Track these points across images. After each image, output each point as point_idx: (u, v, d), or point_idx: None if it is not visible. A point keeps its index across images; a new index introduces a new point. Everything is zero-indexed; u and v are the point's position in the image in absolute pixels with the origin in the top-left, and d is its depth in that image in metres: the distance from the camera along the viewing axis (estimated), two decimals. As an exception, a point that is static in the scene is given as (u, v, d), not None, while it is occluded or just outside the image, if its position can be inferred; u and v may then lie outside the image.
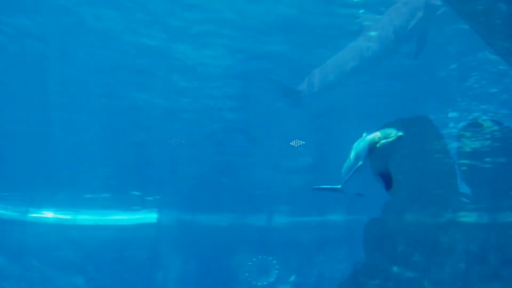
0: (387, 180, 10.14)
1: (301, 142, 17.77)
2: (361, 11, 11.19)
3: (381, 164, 9.97)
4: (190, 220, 24.89)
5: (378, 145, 9.58)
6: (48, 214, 24.37)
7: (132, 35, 12.04)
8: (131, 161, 18.70)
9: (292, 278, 24.32)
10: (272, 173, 20.04)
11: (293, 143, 17.78)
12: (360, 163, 10.07)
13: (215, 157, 18.46)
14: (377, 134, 9.74)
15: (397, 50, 11.80)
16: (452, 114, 15.44)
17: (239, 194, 22.05)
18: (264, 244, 24.45)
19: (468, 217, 24.88)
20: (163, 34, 12.02)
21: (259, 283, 24.18)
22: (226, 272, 24.25)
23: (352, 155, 10.63)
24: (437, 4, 10.38)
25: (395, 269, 24.49)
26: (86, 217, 24.58)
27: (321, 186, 13.81)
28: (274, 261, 24.25)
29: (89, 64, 13.17)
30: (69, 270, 23.52)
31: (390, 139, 9.39)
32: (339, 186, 12.54)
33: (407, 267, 24.41)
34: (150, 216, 24.79)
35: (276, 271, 24.21)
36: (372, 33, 11.44)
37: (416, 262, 24.30)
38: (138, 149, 17.69)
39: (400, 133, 9.33)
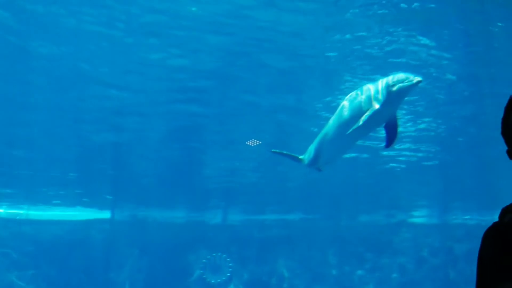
0: (392, 132, 9.88)
1: (258, 142, 17.81)
2: None
3: (393, 111, 9.70)
4: (144, 217, 24.78)
5: (395, 89, 9.24)
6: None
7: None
8: (85, 157, 18.48)
9: (246, 276, 24.48)
10: (228, 171, 20.08)
11: (249, 142, 17.80)
12: (377, 107, 9.47)
13: (171, 153, 18.38)
14: (393, 78, 9.38)
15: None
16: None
17: (195, 192, 22.02)
18: (219, 242, 24.52)
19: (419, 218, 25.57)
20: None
21: (213, 281, 24.26)
22: (180, 269, 24.25)
23: (352, 107, 10.03)
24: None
25: (347, 268, 24.98)
26: (38, 213, 24.25)
27: (282, 152, 13.41)
28: (228, 259, 24.36)
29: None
30: (20, 266, 23.19)
31: (409, 83, 9.11)
32: (301, 157, 12.36)
33: (359, 266, 24.91)
34: (103, 212, 24.58)
35: (230, 269, 24.34)
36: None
37: (368, 261, 24.82)
38: (92, 145, 17.48)
39: (419, 77, 9.09)
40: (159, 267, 24.03)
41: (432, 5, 10.51)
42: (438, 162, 18.57)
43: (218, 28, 11.57)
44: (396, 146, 17.19)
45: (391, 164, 18.78)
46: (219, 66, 13.15)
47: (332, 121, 10.75)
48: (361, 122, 9.54)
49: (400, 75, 9.32)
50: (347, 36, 11.64)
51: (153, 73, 13.56)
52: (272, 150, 13.95)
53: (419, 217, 25.56)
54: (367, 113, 9.51)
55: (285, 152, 13.33)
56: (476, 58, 12.42)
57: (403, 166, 18.79)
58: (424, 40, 11.79)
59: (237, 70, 13.21)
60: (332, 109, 14.44)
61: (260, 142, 17.61)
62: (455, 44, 12.00)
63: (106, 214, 24.75)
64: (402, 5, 10.49)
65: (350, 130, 9.79)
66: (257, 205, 23.96)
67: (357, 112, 9.87)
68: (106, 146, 17.46)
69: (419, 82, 9.04)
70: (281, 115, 15.58)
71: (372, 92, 9.64)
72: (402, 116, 14.48)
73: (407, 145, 17.07)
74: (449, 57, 12.34)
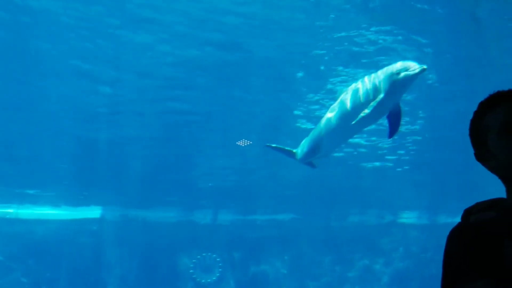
0: (395, 121, 9.82)
1: (248, 142, 17.82)
2: None
3: (397, 100, 9.63)
4: (135, 216, 24.70)
5: (400, 77, 9.18)
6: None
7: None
8: (76, 156, 18.42)
9: (236, 276, 24.48)
10: (219, 170, 20.08)
11: (240, 142, 17.81)
12: (381, 96, 9.44)
13: (162, 152, 18.36)
14: (397, 66, 9.33)
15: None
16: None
17: (185, 191, 22.00)
18: (209, 242, 24.50)
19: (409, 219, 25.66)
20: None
21: (204, 281, 24.24)
22: (171, 269, 24.21)
23: (356, 97, 10.01)
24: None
25: (338, 268, 25.02)
26: (28, 211, 24.12)
27: (277, 146, 13.36)
28: (218, 259, 24.35)
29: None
30: (10, 264, 23.08)
31: (414, 71, 9.03)
32: (295, 150, 12.38)
33: (350, 266, 24.96)
34: (93, 211, 24.47)
35: (220, 269, 24.33)
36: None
37: (358, 262, 24.88)
38: (83, 143, 17.44)
39: (424, 66, 9.02)
40: (149, 267, 23.98)
41: (424, 6, 10.64)
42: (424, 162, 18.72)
43: (210, 25, 11.65)
44: (385, 145, 17.30)
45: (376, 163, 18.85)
46: (210, 63, 13.22)
47: (334, 112, 10.70)
48: (367, 111, 9.53)
49: (405, 63, 9.27)
50: (337, 34, 11.77)
51: (144, 71, 13.62)
52: (266, 144, 14.01)
53: (408, 218, 25.66)
54: (373, 103, 9.50)
55: (279, 146, 13.30)
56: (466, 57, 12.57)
57: (390, 164, 18.86)
58: (413, 39, 11.92)
59: (229, 67, 13.30)
60: (322, 106, 14.62)
61: (251, 142, 17.63)
62: (440, 44, 12.13)
63: (96, 214, 24.66)
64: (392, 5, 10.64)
65: (356, 120, 9.78)
66: (248, 205, 23.97)
67: (361, 102, 9.88)
68: (97, 144, 17.44)
69: (423, 70, 8.98)
70: (273, 113, 15.67)
71: (377, 81, 9.60)
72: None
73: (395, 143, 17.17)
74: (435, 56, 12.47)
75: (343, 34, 11.74)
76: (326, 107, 12.77)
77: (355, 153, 17.87)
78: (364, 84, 9.92)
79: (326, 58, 12.64)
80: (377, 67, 11.52)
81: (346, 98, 10.31)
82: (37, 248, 23.40)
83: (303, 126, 15.57)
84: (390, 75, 9.33)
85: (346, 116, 10.28)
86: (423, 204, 24.29)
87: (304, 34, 11.82)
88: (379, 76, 9.61)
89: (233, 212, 24.73)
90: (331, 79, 13.49)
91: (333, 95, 12.46)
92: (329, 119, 10.88)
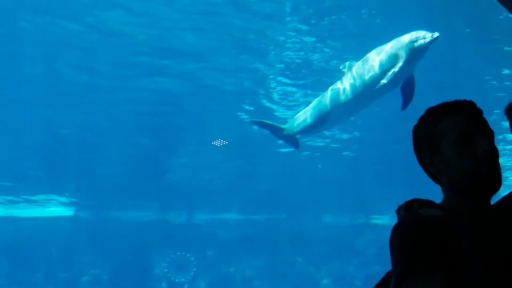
0: (409, 92, 9.94)
1: (224, 142, 17.81)
2: None
3: (412, 69, 9.77)
4: (108, 215, 24.51)
5: (417, 45, 9.36)
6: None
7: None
8: (47, 152, 18.21)
9: (210, 276, 24.48)
10: (194, 169, 20.05)
11: (215, 142, 17.80)
12: (400, 64, 9.59)
13: (136, 151, 18.26)
14: (412, 35, 9.47)
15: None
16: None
17: (160, 190, 21.90)
18: (183, 241, 24.44)
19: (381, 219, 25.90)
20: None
21: (177, 280, 24.19)
22: (145, 268, 24.10)
23: (371, 66, 10.11)
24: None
25: (311, 268, 25.16)
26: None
27: (263, 121, 13.33)
28: (192, 258, 24.31)
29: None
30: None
31: (429, 38, 9.22)
32: (284, 126, 12.33)
33: (323, 266, 25.12)
34: (66, 209, 24.24)
35: (194, 268, 24.30)
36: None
37: (332, 262, 25.05)
38: (55, 139, 17.25)
39: (436, 33, 9.21)
40: (123, 266, 23.82)
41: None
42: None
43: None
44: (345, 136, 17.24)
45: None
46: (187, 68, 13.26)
47: (348, 82, 10.73)
48: (386, 80, 9.72)
49: (419, 32, 9.44)
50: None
51: (118, 70, 13.57)
52: (252, 120, 13.92)
53: (382, 218, 25.89)
54: (391, 72, 9.67)
55: (265, 121, 13.23)
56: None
57: (352, 154, 18.88)
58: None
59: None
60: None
61: (227, 142, 17.64)
62: None
63: (69, 212, 24.42)
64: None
65: (376, 88, 9.96)
66: (222, 205, 23.96)
67: (377, 72, 10.03)
68: (70, 142, 17.28)
69: (437, 37, 9.17)
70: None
71: (394, 50, 9.73)
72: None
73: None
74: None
75: None
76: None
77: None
78: (381, 53, 10.03)
79: None
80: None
81: (362, 68, 10.40)
82: (9, 246, 23.11)
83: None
84: (407, 43, 9.49)
85: (362, 86, 10.42)
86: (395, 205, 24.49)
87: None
88: (396, 45, 9.74)
89: (207, 212, 24.71)
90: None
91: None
92: (342, 90, 10.90)
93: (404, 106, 10.31)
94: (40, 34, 12.22)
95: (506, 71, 13.25)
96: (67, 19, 11.83)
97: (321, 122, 11.54)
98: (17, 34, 12.31)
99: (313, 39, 12.30)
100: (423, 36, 9.30)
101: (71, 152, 18.04)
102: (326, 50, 12.65)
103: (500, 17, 10.72)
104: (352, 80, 10.61)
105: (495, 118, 8.25)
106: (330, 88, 11.37)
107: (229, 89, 14.39)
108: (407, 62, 9.54)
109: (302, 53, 12.82)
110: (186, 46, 12.63)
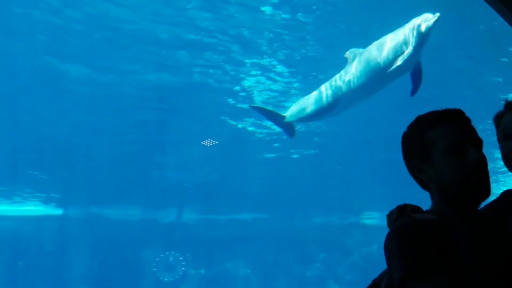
0: (418, 78, 10.07)
1: (214, 142, 17.83)
2: None
3: (420, 54, 9.90)
4: (97, 214, 24.42)
5: (424, 28, 9.50)
6: None
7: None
8: (38, 151, 18.15)
9: (199, 275, 24.47)
10: (183, 169, 20.04)
11: (205, 142, 17.81)
12: (411, 48, 9.78)
13: (126, 149, 18.22)
14: (418, 19, 9.63)
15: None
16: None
17: (149, 189, 21.86)
18: (172, 240, 24.41)
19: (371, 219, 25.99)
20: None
21: (166, 279, 24.15)
22: (134, 267, 24.05)
23: (381, 52, 10.24)
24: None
25: (300, 268, 25.20)
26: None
27: (263, 107, 13.31)
28: (181, 258, 24.28)
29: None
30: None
31: (433, 20, 9.39)
32: (284, 114, 12.22)
33: (313, 266, 25.17)
34: (54, 208, 24.15)
35: (183, 268, 24.27)
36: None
37: (321, 262, 25.10)
38: (42, 136, 17.19)
39: (438, 13, 9.37)
40: (112, 265, 23.75)
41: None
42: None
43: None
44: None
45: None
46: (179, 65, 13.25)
47: (360, 67, 10.78)
48: (400, 62, 9.84)
49: (423, 16, 9.61)
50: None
51: (108, 67, 13.56)
52: (252, 105, 13.91)
53: (370, 218, 25.97)
54: (404, 55, 9.82)
55: (265, 107, 13.23)
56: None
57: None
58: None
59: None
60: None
61: (217, 142, 17.65)
62: None
63: (58, 211, 24.34)
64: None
65: (389, 71, 10.07)
66: (212, 205, 23.94)
67: (389, 57, 10.14)
68: (59, 140, 17.23)
69: (439, 18, 9.35)
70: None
71: (405, 35, 9.87)
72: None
73: None
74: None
75: None
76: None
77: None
78: (392, 38, 10.17)
79: None
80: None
81: (374, 53, 10.49)
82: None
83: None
84: (416, 27, 9.64)
85: (375, 70, 10.51)
86: (385, 204, 24.57)
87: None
88: (405, 30, 9.89)
89: (196, 211, 24.69)
90: None
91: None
92: (353, 75, 10.94)
93: (413, 92, 10.44)
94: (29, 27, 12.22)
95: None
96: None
97: (329, 108, 11.57)
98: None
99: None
100: (427, 18, 9.51)
101: (59, 150, 18.00)
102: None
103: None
104: (364, 64, 10.72)
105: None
106: (338, 74, 11.42)
107: (216, 86, 14.43)
108: (417, 45, 9.72)
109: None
110: (176, 41, 12.65)
